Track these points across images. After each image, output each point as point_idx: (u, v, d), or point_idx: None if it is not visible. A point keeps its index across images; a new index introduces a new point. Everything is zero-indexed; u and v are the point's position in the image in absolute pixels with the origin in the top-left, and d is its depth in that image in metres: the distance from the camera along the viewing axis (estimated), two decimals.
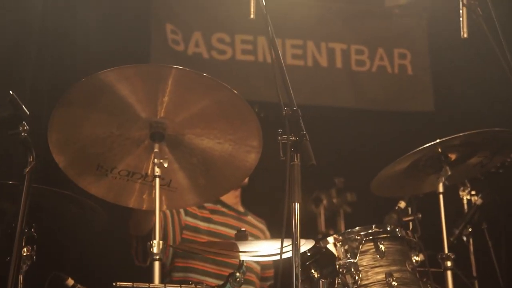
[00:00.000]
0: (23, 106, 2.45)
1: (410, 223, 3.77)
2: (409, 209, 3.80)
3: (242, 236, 2.99)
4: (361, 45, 5.95)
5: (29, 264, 2.99)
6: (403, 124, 5.76)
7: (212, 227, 4.01)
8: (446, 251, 3.43)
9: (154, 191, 2.92)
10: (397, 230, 3.19)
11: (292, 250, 2.51)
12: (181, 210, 3.96)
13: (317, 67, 5.80)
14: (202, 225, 4.01)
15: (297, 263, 2.50)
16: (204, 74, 2.94)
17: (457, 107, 5.72)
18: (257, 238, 4.14)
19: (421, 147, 3.43)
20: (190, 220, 3.99)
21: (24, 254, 2.99)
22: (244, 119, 2.98)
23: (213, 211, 4.10)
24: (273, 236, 4.30)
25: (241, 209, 4.28)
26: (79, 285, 3.07)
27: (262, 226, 4.34)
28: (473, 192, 4.13)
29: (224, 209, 4.16)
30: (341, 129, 5.72)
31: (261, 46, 5.65)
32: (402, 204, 3.66)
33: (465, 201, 4.14)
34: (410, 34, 6.10)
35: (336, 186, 5.40)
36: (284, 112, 2.67)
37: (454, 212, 4.16)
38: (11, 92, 2.39)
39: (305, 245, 3.00)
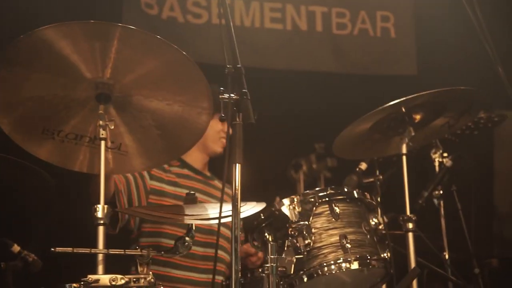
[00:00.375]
0: None
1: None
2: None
3: (191, 199, 2.92)
4: (343, 8, 5.83)
5: None
6: (385, 88, 5.65)
7: (178, 190, 3.94)
8: (408, 213, 3.35)
9: (98, 155, 2.84)
10: (354, 191, 3.11)
11: (232, 212, 2.46)
12: (146, 174, 3.89)
13: (297, 31, 5.69)
14: (168, 188, 3.95)
15: (236, 225, 2.45)
16: (151, 34, 2.83)
17: (441, 71, 5.62)
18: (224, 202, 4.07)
19: (383, 106, 3.34)
20: (156, 184, 3.92)
21: None
22: (192, 80, 2.89)
23: (179, 175, 4.04)
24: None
25: (207, 173, 4.21)
26: (25, 252, 3.02)
27: (228, 190, 4.24)
28: (445, 154, 4.05)
29: (190, 173, 4.10)
30: (321, 94, 5.64)
31: (238, 10, 5.54)
32: (363, 166, 3.58)
33: (436, 163, 4.07)
34: None
35: (316, 152, 5.33)
36: (226, 70, 2.58)
37: (425, 174, 4.09)
38: None
39: (255, 208, 2.93)
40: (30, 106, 2.87)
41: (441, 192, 3.93)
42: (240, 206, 2.56)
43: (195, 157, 4.11)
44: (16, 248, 3.02)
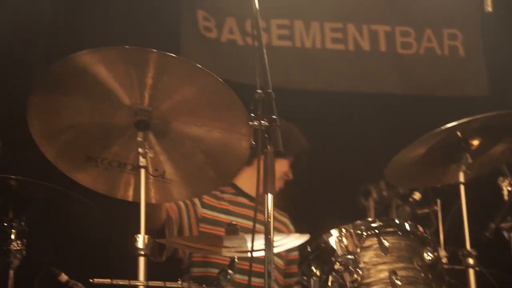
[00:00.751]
0: None
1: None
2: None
3: (232, 230, 2.82)
4: (407, 26, 5.64)
5: (20, 259, 2.93)
6: (454, 110, 5.39)
7: (232, 219, 3.79)
8: (468, 247, 3.13)
9: (140, 183, 2.77)
10: (405, 224, 2.95)
11: (265, 245, 2.33)
12: (197, 202, 3.81)
13: (359, 51, 5.53)
14: (221, 217, 3.84)
15: (269, 259, 2.32)
16: (187, 60, 2.77)
17: None
18: (279, 231, 3.95)
19: (436, 130, 3.14)
20: (207, 213, 3.82)
21: (15, 248, 2.94)
22: (229, 106, 2.79)
23: (233, 203, 3.93)
24: (297, 229, 4.11)
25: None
26: (72, 281, 2.98)
27: (284, 219, 4.13)
28: None
29: (246, 201, 3.97)
30: (388, 117, 5.44)
31: (298, 31, 5.43)
32: (417, 196, 3.37)
33: (505, 192, 3.81)
34: (461, 13, 5.74)
35: (386, 178, 5.13)
36: (256, 96, 2.46)
37: (493, 204, 3.86)
38: None
39: (297, 240, 2.81)
40: (71, 133, 2.85)
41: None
42: (282, 239, 2.44)
43: (252, 185, 3.99)
44: (63, 277, 2.99)
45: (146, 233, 2.71)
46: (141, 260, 2.66)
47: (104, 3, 4.78)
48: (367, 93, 5.47)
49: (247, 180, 3.95)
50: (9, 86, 4.17)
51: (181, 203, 3.74)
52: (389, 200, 5.05)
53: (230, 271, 2.77)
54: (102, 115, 2.82)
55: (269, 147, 2.37)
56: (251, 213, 3.91)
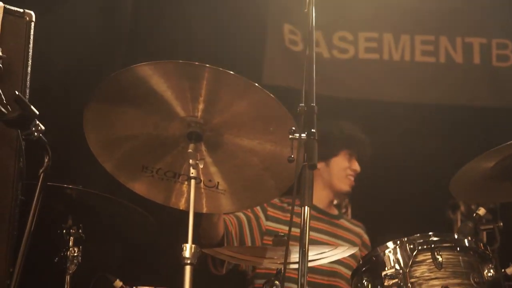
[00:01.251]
0: (31, 105, 2.44)
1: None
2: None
3: (280, 241, 2.80)
4: (504, 39, 5.42)
5: (77, 265, 3.04)
6: None
7: (298, 231, 3.78)
8: None
9: (190, 193, 2.81)
10: (464, 239, 2.83)
11: (299, 257, 2.30)
12: (261, 215, 3.82)
13: (451, 64, 5.37)
14: (286, 229, 3.80)
15: (303, 271, 2.29)
16: (238, 75, 2.78)
17: None
18: (352, 243, 3.89)
19: (504, 144, 2.99)
20: (272, 225, 3.82)
21: (71, 254, 3.05)
22: (280, 120, 2.79)
23: (299, 215, 3.88)
24: (376, 240, 4.03)
25: (334, 211, 4.03)
26: (127, 287, 3.06)
27: (358, 230, 4.06)
28: None
29: (313, 212, 3.91)
30: (481, 129, 5.26)
31: (387, 44, 5.35)
32: (482, 211, 3.21)
33: None
34: None
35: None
36: (298, 109, 2.45)
37: None
38: (16, 92, 2.36)
39: (345, 252, 2.75)
40: (127, 144, 2.93)
41: None
42: (328, 250, 2.40)
43: (319, 195, 3.96)
44: (118, 283, 3.06)
45: (195, 242, 2.75)
46: (187, 269, 2.69)
47: (187, 17, 4.88)
48: (456, 105, 5.30)
49: (314, 192, 3.90)
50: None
51: (242, 216, 3.77)
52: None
53: (276, 282, 2.74)
54: (155, 126, 2.88)
55: (306, 161, 2.34)
56: (319, 225, 3.90)
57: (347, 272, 3.80)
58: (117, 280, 3.05)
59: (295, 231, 3.68)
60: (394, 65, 5.34)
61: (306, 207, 2.34)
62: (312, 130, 2.38)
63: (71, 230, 3.07)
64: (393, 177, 5.17)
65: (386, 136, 5.15)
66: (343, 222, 4.02)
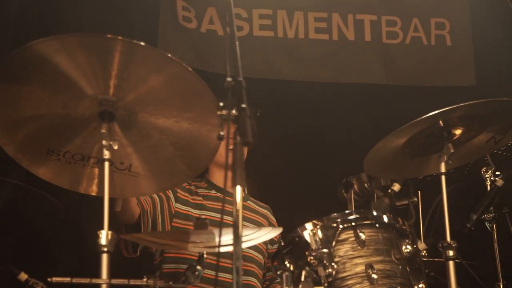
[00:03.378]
0: None
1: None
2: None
3: (201, 224, 2.69)
4: (393, 16, 5.53)
5: None
6: (440, 100, 5.28)
7: (206, 214, 3.67)
8: (448, 239, 3.02)
9: (104, 176, 2.64)
10: (383, 216, 2.83)
11: (234, 240, 2.20)
12: (172, 196, 3.69)
13: (344, 41, 5.42)
14: (195, 212, 3.69)
15: (238, 254, 2.19)
16: (154, 48, 2.62)
17: (501, 81, 5.23)
18: (259, 224, 3.82)
19: (417, 119, 3.02)
20: (181, 207, 3.69)
21: None
22: (199, 96, 2.65)
23: (206, 197, 3.79)
24: (281, 222, 3.99)
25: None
26: (33, 280, 2.85)
27: (265, 211, 4.00)
28: (498, 173, 3.70)
29: (218, 194, 3.83)
30: (372, 108, 5.35)
31: (281, 21, 5.31)
32: (396, 187, 3.26)
33: (488, 183, 3.71)
34: (449, 2, 5.63)
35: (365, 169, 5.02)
36: (225, 84, 2.33)
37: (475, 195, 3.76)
38: None
39: (270, 233, 2.69)
40: (31, 126, 2.71)
41: (494, 214, 3.57)
42: (253, 232, 2.31)
43: (220, 176, 3.87)
44: (23, 276, 2.87)
45: (116, 228, 2.60)
46: (104, 257, 2.54)
47: None
48: (351, 83, 5.36)
49: (216, 174, 3.85)
50: None
51: (156, 197, 3.61)
52: (371, 192, 4.94)
53: (198, 267, 2.64)
54: (64, 106, 2.67)
55: (238, 138, 2.24)
56: (225, 207, 3.76)
57: (258, 256, 3.75)
58: (22, 273, 2.84)
59: (210, 215, 3.64)
60: (289, 42, 5.31)
61: (238, 186, 2.21)
62: (243, 105, 2.27)
63: None
64: (289, 157, 5.16)
65: (282, 114, 5.14)
66: (249, 203, 3.94)
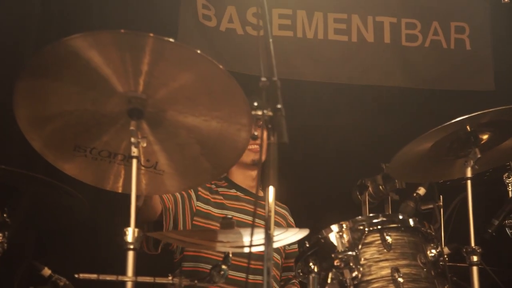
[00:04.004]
0: None
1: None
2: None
3: (228, 223, 2.68)
4: (413, 19, 5.51)
5: (1, 252, 2.80)
6: (459, 104, 5.27)
7: (226, 213, 3.68)
8: (473, 244, 3.00)
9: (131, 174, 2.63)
10: (409, 220, 2.82)
11: (265, 240, 2.19)
12: (193, 195, 3.69)
13: (363, 43, 5.41)
14: (215, 211, 3.72)
15: (269, 255, 2.18)
16: (186, 46, 2.60)
17: None
18: (277, 224, 3.83)
19: (444, 124, 3.02)
20: (202, 206, 3.71)
21: None
22: (230, 95, 2.62)
23: (226, 196, 3.81)
24: (297, 223, 3.99)
25: (259, 193, 3.96)
26: (56, 275, 2.85)
27: (283, 211, 4.01)
28: None
29: (239, 194, 3.85)
30: (390, 110, 5.33)
31: (300, 21, 5.31)
32: (422, 191, 3.25)
33: (510, 188, 3.70)
34: (470, 6, 5.61)
35: (383, 172, 5.00)
36: (260, 84, 2.32)
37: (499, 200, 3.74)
38: None
39: (296, 235, 2.68)
40: (59, 121, 2.70)
41: None
42: (280, 233, 2.31)
43: (241, 176, 3.87)
44: (46, 271, 2.86)
45: (138, 225, 2.59)
46: (130, 255, 2.51)
47: None
48: (369, 85, 5.35)
49: (237, 174, 3.87)
50: None
51: (178, 195, 3.63)
52: (386, 195, 4.92)
53: (224, 267, 2.64)
54: (93, 102, 2.66)
55: (272, 138, 2.23)
56: (245, 206, 3.80)
57: (276, 256, 3.77)
58: (46, 268, 2.83)
59: (231, 214, 3.63)
60: (308, 43, 5.31)
61: (271, 187, 2.20)
62: (278, 105, 2.25)
63: None
64: (305, 157, 5.15)
65: (299, 115, 5.13)
66: None
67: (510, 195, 3.65)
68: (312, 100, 5.22)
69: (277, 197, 4.00)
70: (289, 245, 3.86)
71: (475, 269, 2.97)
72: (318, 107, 5.20)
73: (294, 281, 3.86)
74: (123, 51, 2.55)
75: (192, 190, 3.65)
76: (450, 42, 5.54)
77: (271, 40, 2.46)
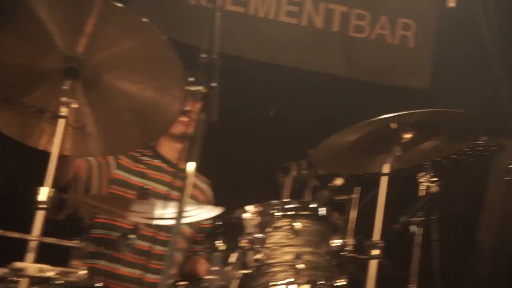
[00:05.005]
0: None
1: None
2: None
3: (144, 194, 2.76)
4: (364, 10, 5.61)
5: None
6: (393, 99, 5.39)
7: (146, 182, 3.69)
8: (376, 238, 3.13)
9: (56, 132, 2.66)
10: (319, 208, 2.94)
11: (177, 214, 2.27)
12: (112, 162, 3.72)
13: (312, 28, 5.49)
14: (134, 179, 3.72)
15: (177, 229, 2.28)
16: (133, 12, 2.61)
17: (452, 89, 5.37)
18: (194, 198, 3.87)
19: (371, 119, 3.11)
20: (121, 174, 3.71)
21: None
22: (168, 67, 2.68)
23: (150, 166, 3.82)
24: (217, 199, 4.05)
25: (184, 166, 4.00)
26: None
27: (204, 186, 4.05)
28: (434, 179, 3.85)
29: (163, 164, 3.86)
30: (325, 98, 5.42)
31: None
32: (339, 181, 3.35)
33: (422, 188, 3.86)
34: (419, 4, 5.73)
35: (309, 158, 5.12)
36: (199, 60, 2.35)
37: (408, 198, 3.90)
38: None
39: (210, 212, 2.78)
40: None
41: (422, 218, 3.72)
42: (194, 209, 2.39)
43: (168, 148, 3.90)
44: None
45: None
46: (40, 214, 2.48)
47: None
48: (311, 70, 5.44)
49: (164, 144, 3.89)
50: None
51: (93, 161, 3.63)
52: (308, 180, 5.05)
53: (130, 236, 2.69)
54: (30, 57, 2.68)
55: (202, 115, 2.29)
56: (167, 178, 3.80)
57: (186, 229, 3.79)
58: None
59: (150, 184, 3.64)
60: (258, 22, 5.36)
61: (193, 162, 2.27)
62: (213, 84, 2.31)
63: None
64: (240, 137, 5.20)
65: (239, 92, 5.18)
66: None
67: (421, 194, 3.80)
68: (253, 80, 5.24)
69: (201, 171, 4.12)
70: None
71: (373, 262, 3.02)
72: (256, 87, 5.23)
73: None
74: (70, 9, 2.58)
75: (112, 158, 3.67)
76: (395, 37, 5.66)
77: (218, 14, 2.50)
